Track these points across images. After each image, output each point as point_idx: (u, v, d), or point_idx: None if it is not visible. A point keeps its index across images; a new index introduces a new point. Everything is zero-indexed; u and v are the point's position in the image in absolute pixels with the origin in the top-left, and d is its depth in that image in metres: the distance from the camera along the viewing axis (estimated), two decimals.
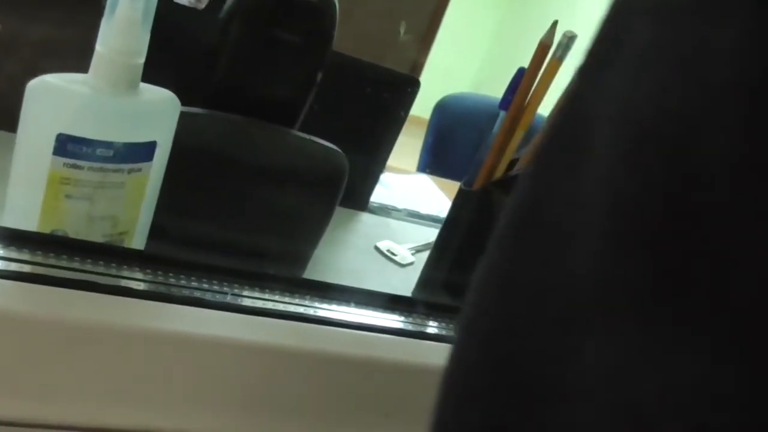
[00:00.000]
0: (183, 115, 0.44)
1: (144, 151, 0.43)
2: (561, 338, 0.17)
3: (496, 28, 4.46)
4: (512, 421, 0.18)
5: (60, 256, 0.40)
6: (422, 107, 0.89)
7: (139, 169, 0.43)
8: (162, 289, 0.42)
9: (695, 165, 0.14)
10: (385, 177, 0.76)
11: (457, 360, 0.21)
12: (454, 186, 1.06)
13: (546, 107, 0.55)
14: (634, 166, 0.15)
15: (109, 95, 0.40)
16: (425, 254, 0.66)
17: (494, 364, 0.19)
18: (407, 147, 0.91)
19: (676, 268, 0.14)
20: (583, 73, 0.18)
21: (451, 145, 1.59)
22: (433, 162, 1.56)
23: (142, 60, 0.41)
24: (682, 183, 0.14)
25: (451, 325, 0.50)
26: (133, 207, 0.44)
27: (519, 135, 0.54)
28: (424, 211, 0.86)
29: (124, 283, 0.41)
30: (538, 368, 0.17)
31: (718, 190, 0.14)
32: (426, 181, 1.05)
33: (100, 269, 0.41)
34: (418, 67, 1.61)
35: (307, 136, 0.51)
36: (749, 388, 0.13)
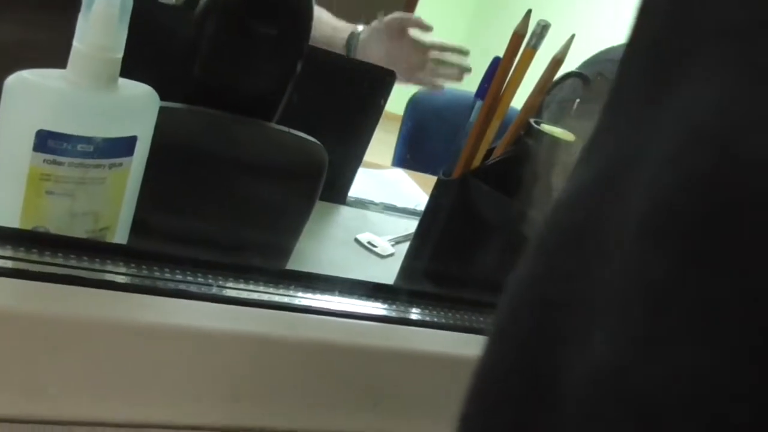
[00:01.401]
0: (162, 110, 0.44)
1: (124, 146, 0.43)
2: (584, 340, 0.17)
3: (468, 22, 4.48)
4: (536, 422, 0.19)
5: (43, 252, 0.40)
6: (396, 102, 0.90)
7: (120, 164, 0.43)
8: (145, 282, 0.42)
9: (738, 163, 0.14)
10: (361, 171, 0.76)
11: (488, 365, 0.22)
12: (430, 180, 1.07)
13: (521, 96, 0.56)
14: (679, 165, 0.16)
15: (88, 91, 0.40)
16: (405, 245, 0.66)
17: (523, 365, 0.20)
18: (382, 143, 0.91)
19: (708, 257, 0.15)
20: (635, 99, 0.19)
21: (426, 139, 1.60)
22: (408, 156, 1.56)
23: (120, 55, 0.41)
24: (724, 181, 0.15)
25: (434, 311, 0.51)
26: (114, 202, 0.44)
27: (495, 124, 0.54)
28: (401, 204, 0.87)
29: (108, 277, 0.41)
30: (561, 368, 0.18)
31: (758, 185, 0.14)
32: (402, 175, 1.06)
33: (84, 264, 0.41)
34: None
35: (286, 129, 0.52)
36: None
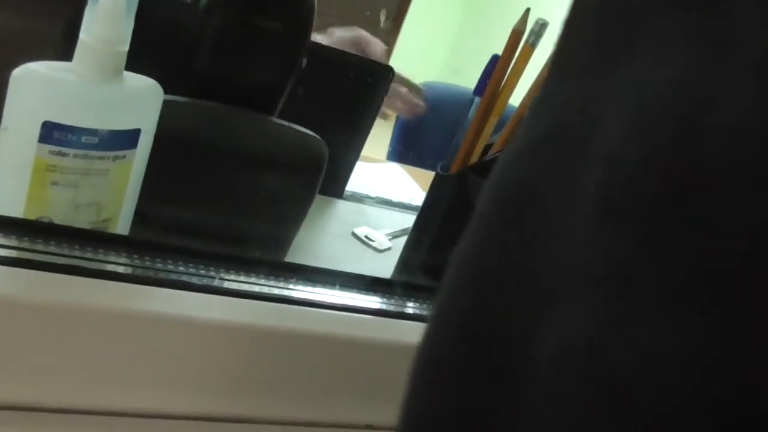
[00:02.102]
0: (166, 103, 0.44)
1: (128, 139, 0.43)
2: (540, 315, 0.17)
3: (464, 15, 4.48)
4: (490, 403, 0.18)
5: (47, 242, 0.40)
6: None
7: (124, 156, 0.43)
8: (147, 273, 0.42)
9: (699, 140, 0.14)
10: (357, 166, 0.77)
11: (432, 343, 0.21)
12: (426, 174, 1.07)
13: (519, 93, 0.56)
14: (639, 141, 0.15)
15: (93, 83, 0.41)
16: (402, 240, 0.67)
17: (471, 345, 0.19)
18: (377, 136, 0.92)
19: (664, 237, 0.15)
20: (584, 69, 0.18)
21: (421, 134, 1.60)
22: (404, 151, 1.57)
23: (126, 48, 0.41)
24: (685, 155, 0.14)
25: (431, 306, 0.52)
26: (117, 194, 0.44)
27: (493, 121, 0.55)
28: (396, 199, 0.87)
29: (110, 267, 0.41)
30: (516, 347, 0.18)
31: (719, 161, 0.14)
32: (397, 169, 1.06)
33: (87, 254, 0.41)
34: (387, 53, 1.61)
35: (287, 124, 0.52)
36: (739, 357, 0.14)
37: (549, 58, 0.21)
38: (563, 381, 0.16)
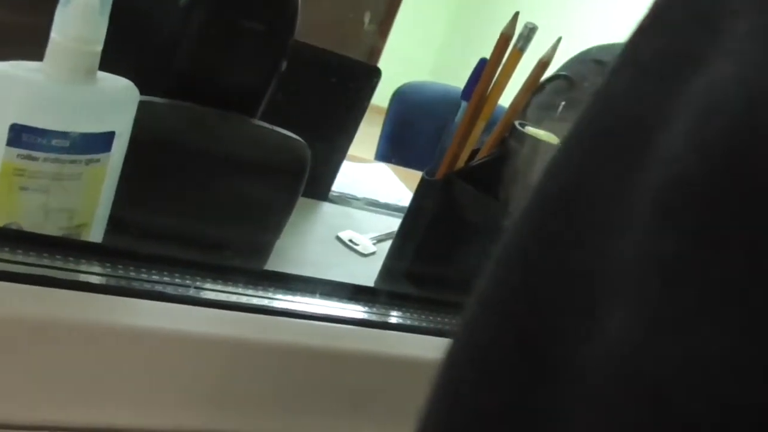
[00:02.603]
0: (142, 105, 0.43)
1: (102, 142, 0.41)
2: (587, 316, 0.17)
3: (453, 16, 4.47)
4: (534, 403, 0.18)
5: (15, 250, 0.39)
6: (380, 95, 0.89)
7: (97, 160, 0.42)
8: (122, 282, 0.41)
9: (756, 135, 0.14)
10: (344, 165, 0.76)
11: (472, 339, 0.20)
12: (413, 175, 1.06)
13: (507, 98, 0.55)
14: (699, 139, 0.15)
15: (65, 84, 0.39)
16: (387, 244, 0.66)
17: (516, 344, 0.19)
18: (365, 135, 0.91)
19: (719, 239, 0.14)
20: (659, 69, 0.18)
21: (410, 133, 1.59)
22: (392, 150, 1.56)
23: (99, 48, 0.39)
24: (746, 160, 0.14)
25: (414, 315, 0.51)
26: (90, 199, 0.43)
27: (481, 125, 0.54)
28: (383, 200, 0.86)
29: (82, 277, 0.40)
30: (562, 349, 0.17)
31: None
32: (385, 169, 1.05)
33: (58, 263, 0.40)
34: (375, 54, 1.60)
35: (269, 126, 0.51)
36: None
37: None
38: (609, 385, 0.15)
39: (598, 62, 1.01)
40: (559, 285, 0.18)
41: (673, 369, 0.14)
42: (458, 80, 0.57)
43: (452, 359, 0.21)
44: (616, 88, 0.19)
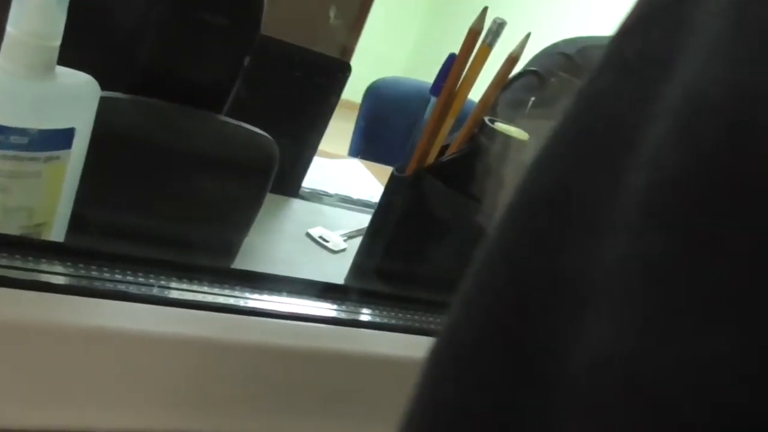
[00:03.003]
0: (103, 101, 0.42)
1: (61, 138, 0.41)
2: (576, 319, 0.16)
3: (426, 12, 4.48)
4: (522, 406, 0.18)
5: None
6: (353, 91, 0.89)
7: (57, 157, 0.41)
8: (84, 282, 0.40)
9: (751, 137, 0.14)
10: (316, 161, 0.75)
11: (458, 336, 0.20)
12: (386, 171, 1.06)
13: (476, 93, 0.55)
14: (686, 140, 0.15)
15: (22, 79, 0.38)
16: (358, 240, 0.65)
17: (503, 343, 0.18)
18: (338, 131, 0.90)
19: (709, 240, 0.14)
20: (639, 69, 0.18)
21: (383, 129, 1.59)
22: (365, 146, 1.55)
23: (57, 42, 0.38)
24: (733, 156, 0.14)
25: (386, 312, 0.50)
26: (51, 197, 0.42)
27: (450, 121, 0.54)
28: (356, 196, 0.86)
29: (43, 277, 0.39)
30: (550, 351, 0.17)
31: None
32: (358, 165, 1.05)
33: (17, 263, 0.39)
34: (348, 50, 1.59)
35: (235, 122, 0.50)
36: None
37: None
38: (600, 389, 0.15)
39: (566, 55, 1.01)
40: (546, 286, 0.18)
41: (667, 375, 0.14)
42: (432, 77, 0.57)
43: (437, 359, 0.21)
44: (600, 88, 0.19)
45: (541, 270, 0.18)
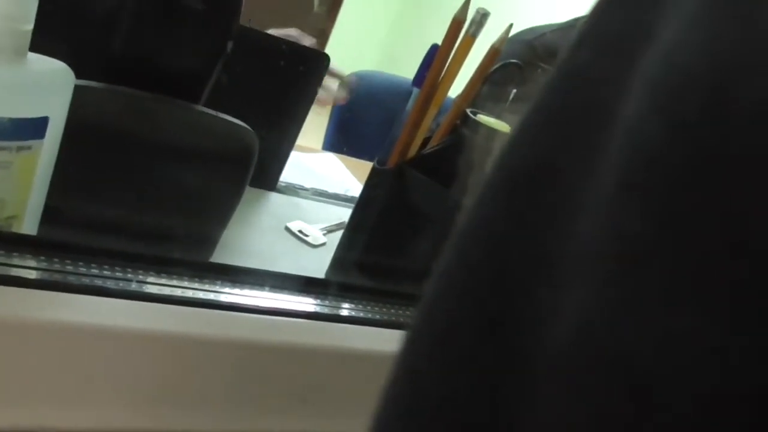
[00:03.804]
0: (78, 89, 0.40)
1: (34, 128, 0.39)
2: (555, 295, 0.16)
3: (401, 4, 4.47)
4: (501, 384, 0.17)
5: None
6: None
7: (29, 147, 0.39)
8: (58, 277, 0.38)
9: (731, 111, 0.13)
10: (292, 155, 0.74)
11: (435, 321, 0.20)
12: (361, 165, 1.05)
13: (459, 84, 0.54)
14: (664, 115, 0.14)
15: None
16: (337, 234, 0.65)
17: (481, 324, 0.18)
18: (312, 125, 0.90)
19: (694, 217, 0.14)
20: (613, 43, 0.18)
21: (358, 123, 1.58)
22: (340, 140, 1.54)
23: (29, 26, 0.37)
24: (713, 127, 0.14)
25: (368, 307, 0.49)
26: (22, 188, 0.40)
27: (432, 112, 0.53)
28: (332, 190, 0.85)
29: (14, 272, 0.37)
30: (529, 328, 0.17)
31: (753, 136, 0.13)
32: (333, 159, 1.04)
33: None
34: (322, 43, 1.58)
35: (213, 112, 0.49)
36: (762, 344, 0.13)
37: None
38: (578, 366, 0.15)
39: (526, 43, 1.02)
40: (525, 263, 0.18)
41: (645, 350, 0.14)
42: (409, 71, 0.56)
43: (413, 346, 0.20)
44: (577, 63, 0.19)
45: (520, 246, 0.18)
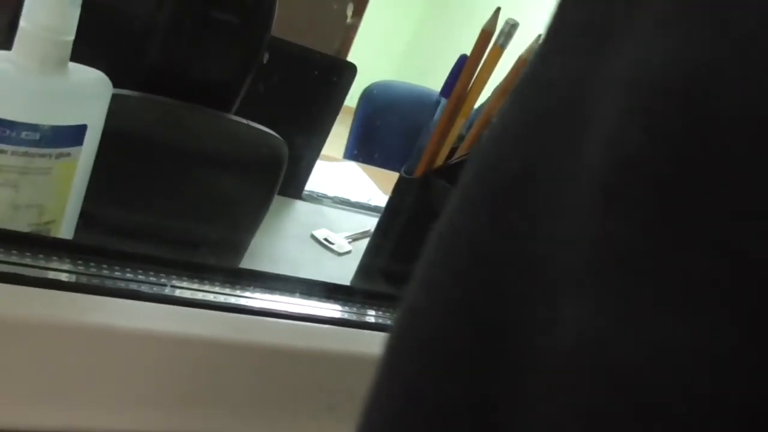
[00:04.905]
0: (115, 98, 0.41)
1: (73, 135, 0.40)
2: (545, 304, 0.16)
3: (423, 16, 4.48)
4: (496, 392, 0.17)
5: None
6: (348, 95, 0.89)
7: (68, 154, 0.40)
8: (94, 281, 0.39)
9: (709, 116, 0.13)
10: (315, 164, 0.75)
11: (427, 326, 0.19)
12: (383, 174, 1.05)
13: (487, 95, 0.55)
14: (643, 120, 0.14)
15: (35, 74, 0.37)
16: (362, 243, 0.65)
17: (475, 331, 0.18)
18: (333, 135, 0.91)
19: (677, 221, 0.14)
20: (581, 46, 0.17)
21: (379, 133, 1.59)
22: (361, 150, 1.55)
23: (71, 37, 0.38)
24: (692, 134, 0.14)
25: (392, 314, 0.50)
26: (60, 194, 0.41)
27: (460, 123, 0.53)
28: (354, 198, 0.85)
29: (52, 275, 0.38)
30: (521, 337, 0.17)
31: (731, 140, 0.13)
32: (355, 168, 1.04)
33: (27, 260, 0.38)
34: (344, 53, 1.59)
35: (245, 121, 0.50)
36: (762, 354, 0.13)
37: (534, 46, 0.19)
38: (572, 376, 0.15)
39: None
40: (511, 268, 0.17)
41: (638, 361, 0.14)
42: (431, 82, 0.57)
43: (400, 350, 0.20)
44: (545, 65, 0.18)
45: (506, 253, 0.18)
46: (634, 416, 0.14)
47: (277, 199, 0.56)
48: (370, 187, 0.98)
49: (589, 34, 0.17)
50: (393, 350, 0.20)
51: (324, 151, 0.81)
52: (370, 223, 0.60)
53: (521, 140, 0.18)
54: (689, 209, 0.13)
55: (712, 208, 0.13)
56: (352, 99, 1.49)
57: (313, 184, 0.79)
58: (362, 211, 0.82)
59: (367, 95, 1.63)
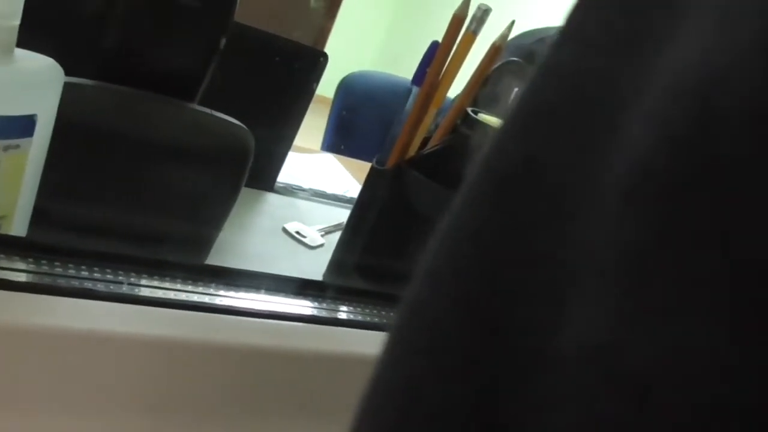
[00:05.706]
0: (68, 86, 0.39)
1: (22, 126, 0.38)
2: (558, 305, 0.16)
3: (400, 5, 4.46)
4: (505, 394, 0.17)
5: None
6: (325, 85, 0.87)
7: (17, 146, 0.38)
8: (47, 280, 0.37)
9: (716, 117, 0.13)
10: (289, 156, 0.73)
11: (430, 319, 0.19)
12: (360, 165, 1.04)
13: (460, 83, 0.53)
14: (659, 123, 0.14)
15: None
16: (335, 236, 0.64)
17: (483, 332, 0.17)
18: (310, 126, 0.89)
19: (690, 222, 0.14)
20: (615, 45, 0.17)
21: (356, 124, 1.57)
22: (338, 141, 1.53)
23: (16, 22, 0.36)
24: (701, 135, 0.13)
25: (366, 310, 0.48)
26: (10, 189, 0.39)
27: (432, 112, 0.52)
28: (330, 191, 0.84)
29: (3, 274, 0.36)
30: (527, 337, 0.16)
31: (736, 141, 0.13)
32: (332, 160, 1.03)
33: None
34: (321, 42, 1.57)
35: (209, 111, 0.48)
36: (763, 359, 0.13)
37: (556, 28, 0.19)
38: (585, 378, 0.15)
39: (526, 48, 1.01)
40: (519, 266, 0.17)
41: (651, 364, 0.14)
42: (408, 71, 0.55)
43: (401, 349, 0.19)
44: (563, 63, 0.18)
45: (513, 250, 0.17)
46: (646, 419, 0.14)
47: (247, 192, 0.54)
48: (347, 178, 0.97)
49: (615, 35, 0.17)
50: (394, 347, 0.20)
51: (300, 143, 0.79)
52: (345, 215, 0.59)
53: (530, 132, 0.18)
54: (702, 216, 0.13)
55: (727, 214, 0.13)
56: (329, 89, 1.47)
57: (287, 176, 0.77)
58: (337, 203, 0.80)
59: (344, 85, 1.61)
